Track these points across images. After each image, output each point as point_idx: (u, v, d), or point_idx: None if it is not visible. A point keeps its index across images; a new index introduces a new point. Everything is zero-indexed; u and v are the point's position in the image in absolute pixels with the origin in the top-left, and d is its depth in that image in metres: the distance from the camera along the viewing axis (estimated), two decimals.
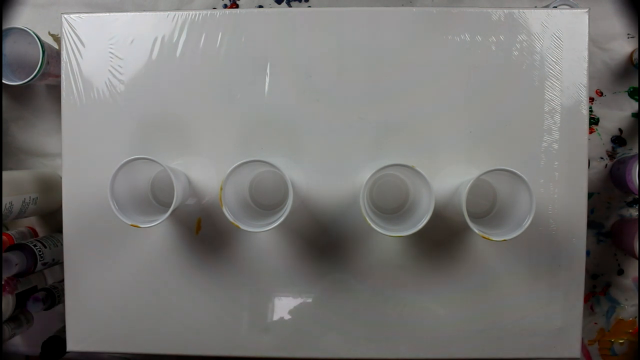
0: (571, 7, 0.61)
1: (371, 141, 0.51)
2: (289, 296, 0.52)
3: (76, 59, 0.52)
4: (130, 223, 0.44)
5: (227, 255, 0.52)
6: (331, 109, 0.51)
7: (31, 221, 0.73)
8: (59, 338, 0.63)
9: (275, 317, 0.52)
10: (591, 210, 0.71)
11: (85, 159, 0.52)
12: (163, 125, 0.52)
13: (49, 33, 0.71)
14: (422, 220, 0.42)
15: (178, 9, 0.71)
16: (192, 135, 0.51)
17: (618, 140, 0.71)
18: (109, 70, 0.52)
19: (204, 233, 0.52)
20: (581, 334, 0.51)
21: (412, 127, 0.51)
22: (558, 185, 0.50)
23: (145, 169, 0.50)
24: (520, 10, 0.50)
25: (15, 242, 0.66)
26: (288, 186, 0.42)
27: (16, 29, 0.61)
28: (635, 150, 0.70)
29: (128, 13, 0.52)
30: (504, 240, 0.43)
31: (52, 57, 0.62)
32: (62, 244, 0.54)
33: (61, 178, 0.52)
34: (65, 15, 0.52)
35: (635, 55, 0.67)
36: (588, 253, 0.72)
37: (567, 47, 0.50)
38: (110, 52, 0.52)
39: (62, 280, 0.54)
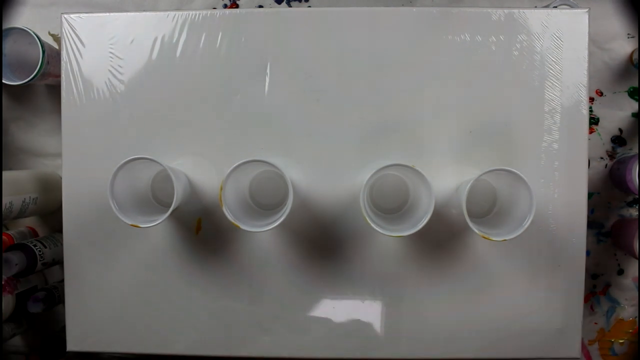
0: (571, 7, 0.61)
1: (371, 141, 0.51)
2: (288, 296, 0.52)
3: (76, 59, 0.52)
4: (130, 223, 0.44)
5: (227, 255, 0.52)
6: (331, 109, 0.51)
7: (31, 221, 0.73)
8: (59, 338, 0.63)
9: (276, 317, 0.52)
10: (591, 210, 0.71)
11: (85, 159, 0.52)
12: (163, 125, 0.52)
13: (49, 33, 0.71)
14: (422, 220, 0.42)
15: (178, 9, 0.71)
16: (193, 135, 0.51)
17: (618, 140, 0.71)
18: (109, 70, 0.52)
19: (204, 233, 0.52)
20: (581, 334, 0.51)
21: (412, 127, 0.51)
22: (558, 185, 0.50)
23: (145, 169, 0.50)
24: (520, 10, 0.50)
25: (15, 242, 0.66)
26: (288, 186, 0.42)
27: (16, 29, 0.61)
28: (635, 150, 0.70)
29: (128, 13, 0.52)
30: (504, 240, 0.43)
31: (52, 57, 0.62)
32: (62, 244, 0.54)
33: (61, 178, 0.52)
34: (65, 15, 0.52)
35: (635, 55, 0.67)
36: (588, 253, 0.72)
37: (567, 47, 0.50)
38: (110, 52, 0.52)
39: (62, 280, 0.54)
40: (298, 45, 0.51)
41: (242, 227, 0.43)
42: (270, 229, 0.43)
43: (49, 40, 0.70)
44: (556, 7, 0.62)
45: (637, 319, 0.73)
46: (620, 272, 0.72)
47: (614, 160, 0.71)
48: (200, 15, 0.51)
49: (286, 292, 0.52)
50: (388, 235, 0.43)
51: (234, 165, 0.43)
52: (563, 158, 0.50)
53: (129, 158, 0.43)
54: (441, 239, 0.51)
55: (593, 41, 0.68)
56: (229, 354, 0.52)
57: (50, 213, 0.70)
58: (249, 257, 0.52)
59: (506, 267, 0.51)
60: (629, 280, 0.72)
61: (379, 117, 0.51)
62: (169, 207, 0.43)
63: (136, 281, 0.52)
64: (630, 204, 0.71)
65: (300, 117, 0.51)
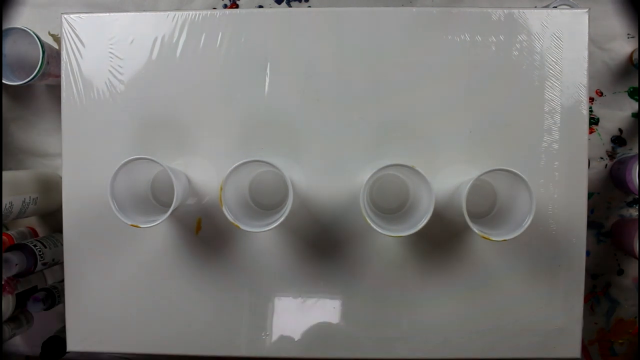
0: (571, 7, 0.61)
1: (371, 141, 0.51)
2: (288, 296, 0.52)
3: (76, 59, 0.52)
4: (130, 223, 0.44)
5: (227, 255, 0.52)
6: (331, 109, 0.51)
7: (31, 221, 0.73)
8: (59, 338, 0.63)
9: (275, 317, 0.52)
10: (591, 210, 0.71)
11: (85, 159, 0.52)
12: (163, 125, 0.52)
13: (49, 33, 0.71)
14: (422, 220, 0.42)
15: (178, 9, 0.71)
16: (192, 135, 0.51)
17: (618, 140, 0.71)
18: (109, 70, 0.52)
19: (204, 233, 0.52)
20: (581, 334, 0.51)
21: (412, 127, 0.51)
22: (558, 185, 0.50)
23: (145, 169, 0.50)
24: (520, 10, 0.50)
25: (15, 242, 0.66)
26: (288, 186, 0.42)
27: (16, 29, 0.61)
28: (635, 150, 0.70)
29: (128, 13, 0.52)
30: (504, 240, 0.43)
31: (52, 57, 0.62)
32: (62, 244, 0.54)
33: (61, 178, 0.52)
34: (65, 15, 0.52)
35: (635, 55, 0.67)
36: (588, 253, 0.72)
37: (567, 47, 0.50)
38: (110, 52, 0.52)
39: (62, 280, 0.54)
40: (298, 45, 0.51)
41: (242, 227, 0.43)
42: (270, 229, 0.43)
43: (49, 40, 0.70)
44: (556, 7, 0.62)
45: (637, 319, 0.73)
46: (620, 272, 0.72)
47: (614, 160, 0.71)
48: (200, 15, 0.51)
49: (286, 292, 0.52)
50: (388, 235, 0.43)
51: (234, 166, 0.43)
52: (563, 158, 0.50)
53: (129, 158, 0.43)
54: (441, 239, 0.51)
55: (593, 41, 0.68)
56: (229, 354, 0.52)
57: (50, 213, 0.70)
58: (249, 257, 0.52)
59: (506, 267, 0.51)
60: (629, 280, 0.72)
61: (379, 117, 0.51)
62: (169, 207, 0.43)
63: (136, 281, 0.52)
64: (630, 204, 0.71)
65: (300, 117, 0.51)
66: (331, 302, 0.52)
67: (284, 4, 0.71)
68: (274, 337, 0.52)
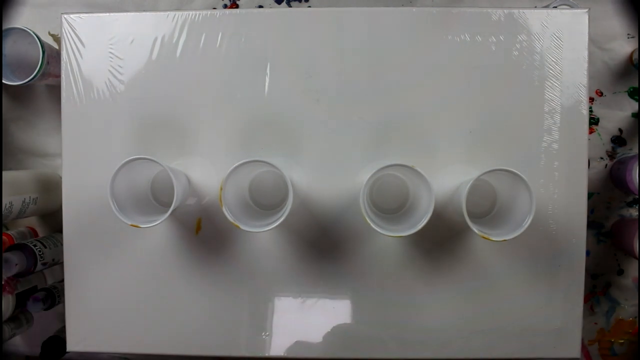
0: (571, 7, 0.61)
1: (371, 141, 0.51)
2: (288, 296, 0.52)
3: (76, 59, 0.52)
4: (130, 223, 0.44)
5: (227, 255, 0.52)
6: (331, 109, 0.51)
7: (31, 221, 0.73)
8: (59, 338, 0.63)
9: (275, 317, 0.52)
10: (591, 210, 0.71)
11: (85, 159, 0.52)
12: (163, 125, 0.52)
13: (49, 33, 0.71)
14: (422, 220, 0.42)
15: (178, 9, 0.71)
16: (192, 135, 0.51)
17: (618, 140, 0.71)
18: (109, 70, 0.52)
19: (204, 233, 0.52)
20: (581, 334, 0.51)
21: (412, 127, 0.51)
22: (558, 185, 0.50)
23: (145, 169, 0.50)
24: (520, 10, 0.50)
25: (15, 242, 0.66)
26: (288, 186, 0.42)
27: (16, 29, 0.61)
28: (635, 150, 0.70)
29: (128, 13, 0.52)
30: (503, 241, 0.43)
31: (52, 57, 0.62)
32: (62, 244, 0.54)
33: (61, 178, 0.52)
34: (65, 15, 0.52)
35: (635, 55, 0.67)
36: (588, 253, 0.72)
37: (567, 47, 0.50)
38: (110, 52, 0.52)
39: (62, 280, 0.54)
40: (298, 45, 0.51)
41: (242, 227, 0.43)
42: (270, 229, 0.43)
43: (49, 40, 0.70)
44: (556, 7, 0.62)
45: (637, 319, 0.73)
46: (620, 272, 0.72)
47: (614, 160, 0.71)
48: (200, 15, 0.51)
49: (286, 292, 0.52)
50: (388, 236, 0.43)
51: (234, 166, 0.43)
52: (563, 158, 0.50)
53: (129, 158, 0.43)
54: (441, 239, 0.51)
55: (593, 41, 0.68)
56: (229, 354, 0.52)
57: (50, 213, 0.70)
58: (249, 257, 0.52)
59: (506, 267, 0.51)
60: (629, 280, 0.72)
61: (379, 117, 0.51)
62: (169, 207, 0.43)
63: (136, 281, 0.52)
64: (630, 204, 0.71)
65: (300, 117, 0.51)
66: (331, 302, 0.52)
67: (284, 4, 0.71)
68: (274, 337, 0.52)
